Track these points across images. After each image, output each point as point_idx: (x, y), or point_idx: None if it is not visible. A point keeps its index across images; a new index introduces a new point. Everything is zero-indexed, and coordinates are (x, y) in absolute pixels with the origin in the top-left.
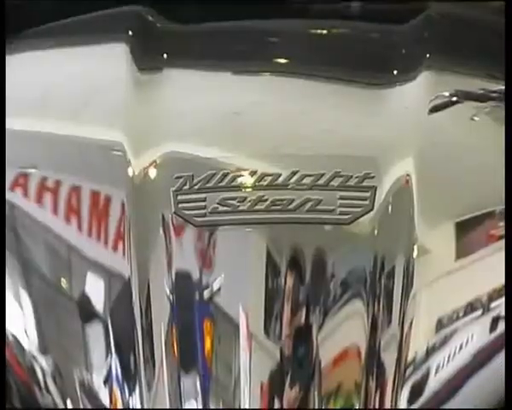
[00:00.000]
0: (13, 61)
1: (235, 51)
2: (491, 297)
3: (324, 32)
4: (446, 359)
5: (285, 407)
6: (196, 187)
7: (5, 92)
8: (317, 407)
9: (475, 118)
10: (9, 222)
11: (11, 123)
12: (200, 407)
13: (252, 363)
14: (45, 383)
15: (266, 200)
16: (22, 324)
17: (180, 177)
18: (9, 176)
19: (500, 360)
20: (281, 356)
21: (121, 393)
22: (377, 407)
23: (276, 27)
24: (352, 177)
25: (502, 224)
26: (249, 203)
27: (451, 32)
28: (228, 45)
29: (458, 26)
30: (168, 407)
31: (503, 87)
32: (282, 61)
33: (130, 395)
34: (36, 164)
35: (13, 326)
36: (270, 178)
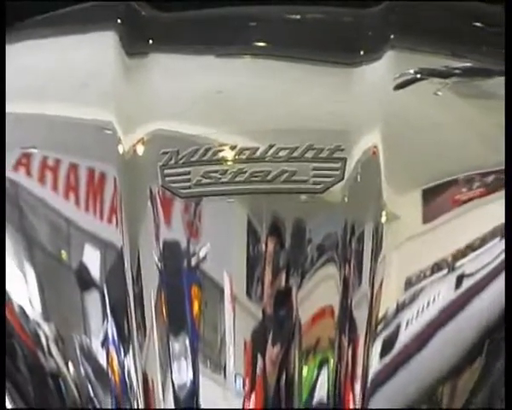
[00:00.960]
0: (13, 50)
1: (217, 36)
2: (456, 257)
3: (298, 17)
4: (415, 315)
5: (267, 363)
6: (181, 161)
7: (5, 93)
8: (297, 362)
9: (438, 93)
10: (14, 200)
11: (13, 107)
12: (190, 366)
13: (236, 323)
14: (48, 347)
15: (246, 172)
16: (26, 294)
17: (166, 152)
18: (13, 156)
19: (464, 314)
20: (263, 316)
21: (117, 354)
22: (350, 360)
23: (256, 13)
24: (323, 149)
25: (464, 189)
26: (230, 175)
27: (414, 14)
28: (210, 30)
29: (421, 9)
30: (158, 366)
31: (466, 64)
32: (261, 44)
33: (125, 355)
34: (36, 144)
35: (18, 296)
36: (248, 151)
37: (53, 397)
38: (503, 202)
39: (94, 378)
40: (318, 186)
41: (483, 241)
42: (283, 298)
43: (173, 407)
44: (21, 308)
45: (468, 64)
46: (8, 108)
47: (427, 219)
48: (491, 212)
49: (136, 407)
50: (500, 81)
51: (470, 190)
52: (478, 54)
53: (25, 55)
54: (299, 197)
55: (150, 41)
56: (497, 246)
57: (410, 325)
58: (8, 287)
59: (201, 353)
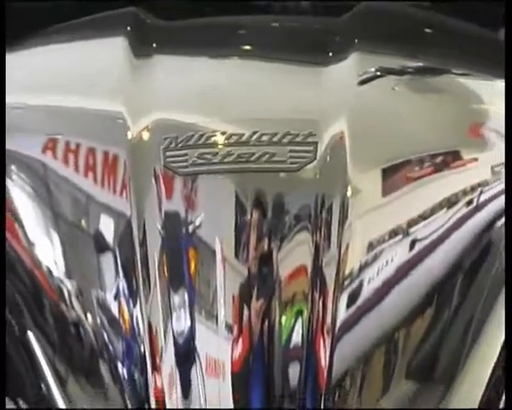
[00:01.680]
0: (39, 52)
1: (210, 40)
2: (410, 225)
3: (278, 25)
4: (375, 273)
5: (252, 313)
6: (180, 145)
7: (5, 92)
8: (277, 313)
9: (395, 88)
10: (42, 178)
11: (40, 100)
12: (188, 315)
13: (225, 280)
14: (70, 300)
15: (233, 154)
16: (52, 256)
17: (167, 138)
18: (40, 141)
19: (417, 272)
20: (248, 274)
21: (127, 306)
22: (321, 311)
23: (243, 22)
24: (298, 135)
25: (417, 168)
26: (220, 157)
27: (375, 22)
28: (205, 36)
29: (382, 17)
30: (161, 316)
31: (418, 64)
32: (247, 47)
33: (133, 307)
34: (60, 132)
35: (45, 259)
36: (236, 137)
37: (74, 342)
38: (448, 179)
39: (108, 326)
40: (294, 166)
41: (432, 211)
42: (265, 259)
43: (173, 350)
44: (48, 268)
45: (420, 64)
46: (36, 101)
47: (385, 193)
48: (438, 187)
49: (142, 350)
50: (447, 78)
51: (421, 169)
52: (428, 55)
53: (49, 56)
54: (278, 175)
55: (154, 45)
56: (444, 216)
57: (372, 281)
58: (37, 251)
59: (197, 304)
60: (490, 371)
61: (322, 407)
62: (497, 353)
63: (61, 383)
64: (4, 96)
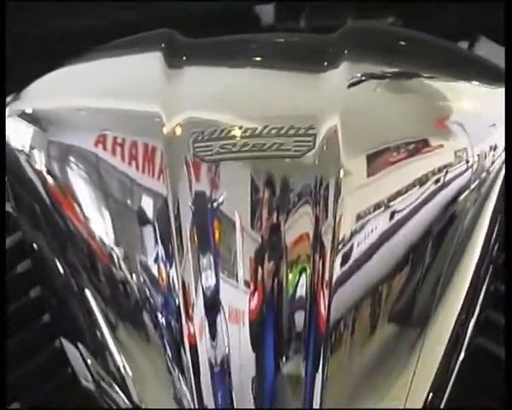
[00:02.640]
0: (92, 66)
1: (228, 54)
2: (389, 200)
3: (282, 40)
4: (363, 238)
5: (265, 272)
6: (205, 138)
7: (5, 92)
8: (285, 271)
9: (377, 90)
10: (95, 167)
11: (93, 103)
12: (214, 275)
13: (243, 246)
14: (119, 264)
15: (249, 144)
16: (104, 229)
17: (195, 132)
18: (93, 137)
19: (396, 237)
20: (261, 241)
21: (164, 267)
22: (321, 269)
23: (254, 38)
24: (300, 128)
25: (394, 154)
26: (238, 147)
27: (361, 37)
28: (224, 50)
29: (366, 33)
30: (192, 275)
31: (395, 69)
32: (257, 59)
33: (170, 268)
34: (109, 128)
35: (99, 230)
36: (250, 130)
37: (122, 297)
38: (420, 162)
39: (149, 284)
40: (297, 153)
41: (407, 189)
42: (275, 229)
43: (202, 302)
44: (101, 238)
45: (397, 70)
46: (90, 105)
47: (369, 174)
48: (411, 169)
49: (177, 303)
50: (418, 81)
51: (398, 155)
52: (403, 62)
53: (100, 68)
54: (284, 161)
55: (184, 58)
56: (417, 192)
57: (360, 245)
58: (92, 225)
59: (221, 266)
60: (455, 317)
61: (322, 347)
62: (461, 303)
63: (112, 330)
64: (4, 96)
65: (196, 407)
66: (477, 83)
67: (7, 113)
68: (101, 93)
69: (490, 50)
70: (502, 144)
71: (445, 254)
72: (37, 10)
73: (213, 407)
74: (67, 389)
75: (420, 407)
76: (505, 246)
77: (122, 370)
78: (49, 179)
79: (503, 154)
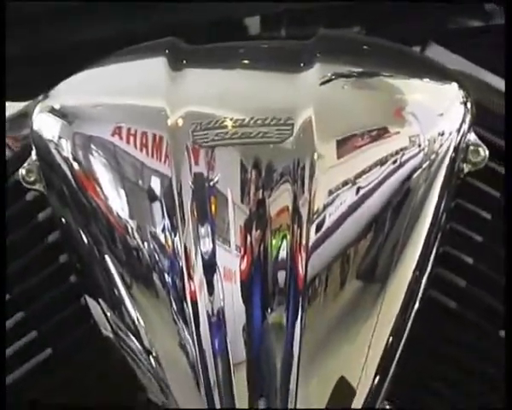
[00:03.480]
0: (106, 69)
1: (221, 58)
2: (356, 177)
3: (266, 46)
4: (334, 210)
5: (253, 239)
6: (203, 128)
7: (5, 91)
8: (269, 238)
9: (345, 87)
10: (113, 154)
11: (109, 100)
12: (211, 241)
13: (235, 217)
14: (133, 234)
15: (238, 133)
16: (120, 205)
17: (194, 123)
18: (110, 128)
19: (361, 209)
20: (249, 213)
21: (170, 235)
22: (298, 236)
23: (243, 44)
24: (281, 119)
25: (359, 139)
26: (229, 135)
27: (331, 42)
28: (218, 55)
29: (335, 39)
30: (192, 242)
31: (359, 69)
32: (246, 61)
33: (175, 236)
34: (124, 121)
35: (116, 206)
36: (240, 121)
37: (136, 261)
38: (380, 146)
39: (158, 250)
40: (279, 140)
41: (370, 168)
42: (261, 203)
43: (201, 264)
44: (117, 213)
45: (361, 70)
46: (107, 101)
47: (339, 156)
48: (374, 152)
49: (181, 265)
50: (379, 79)
51: (362, 140)
52: (366, 64)
53: (114, 70)
54: (268, 146)
55: (184, 62)
56: (378, 171)
57: (331, 216)
58: (110, 202)
59: (216, 234)
60: (411, 274)
61: (300, 300)
62: (415, 262)
63: (127, 288)
64: (4, 96)
65: (197, 351)
66: (427, 80)
67: (38, 109)
68: (115, 92)
69: (438, 54)
70: (448, 130)
71: (401, 221)
72: (51, 24)
73: (211, 351)
74: (91, 338)
75: (382, 347)
76: (505, 245)
77: (135, 321)
78: (75, 164)
79: (450, 138)
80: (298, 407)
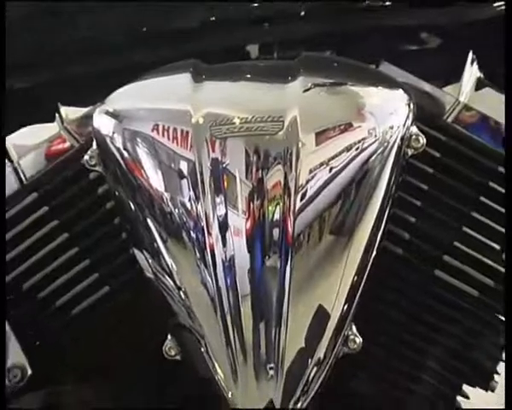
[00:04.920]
0: (146, 82)
1: (230, 73)
2: (329, 159)
3: (263, 64)
4: (313, 184)
5: (254, 206)
6: (217, 124)
7: (5, 90)
8: (266, 205)
9: (321, 93)
10: (151, 144)
11: (149, 105)
12: (224, 207)
13: (241, 189)
14: (167, 203)
15: (243, 127)
16: (158, 183)
17: (211, 121)
18: (150, 125)
19: (333, 183)
20: (252, 187)
21: (195, 203)
22: (288, 203)
23: (246, 64)
24: (275, 117)
25: (331, 132)
26: (237, 129)
27: (311, 61)
28: (228, 71)
29: (314, 59)
30: (211, 208)
31: (331, 80)
32: (248, 75)
33: (197, 204)
34: (160, 120)
35: (155, 183)
36: (244, 119)
37: (169, 222)
38: (347, 137)
39: (185, 214)
40: (273, 132)
41: (339, 153)
42: (260, 179)
43: (217, 224)
44: (156, 189)
45: (333, 80)
46: (147, 105)
47: (317, 144)
48: (342, 141)
49: (202, 225)
50: (346, 87)
51: (334, 132)
52: (336, 76)
53: (152, 82)
54: (265, 137)
55: (203, 76)
56: (345, 155)
57: (312, 188)
58: (151, 181)
59: (228, 201)
60: (370, 230)
61: (290, 250)
62: (373, 221)
63: (164, 242)
64: (4, 95)
65: (214, 287)
66: (381, 87)
67: (97, 112)
68: (153, 98)
69: (388, 69)
70: (396, 124)
71: (363, 192)
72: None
73: (225, 286)
74: (137, 279)
75: (349, 283)
76: (506, 244)
77: (169, 266)
78: (124, 152)
79: (398, 130)
80: (289, 325)
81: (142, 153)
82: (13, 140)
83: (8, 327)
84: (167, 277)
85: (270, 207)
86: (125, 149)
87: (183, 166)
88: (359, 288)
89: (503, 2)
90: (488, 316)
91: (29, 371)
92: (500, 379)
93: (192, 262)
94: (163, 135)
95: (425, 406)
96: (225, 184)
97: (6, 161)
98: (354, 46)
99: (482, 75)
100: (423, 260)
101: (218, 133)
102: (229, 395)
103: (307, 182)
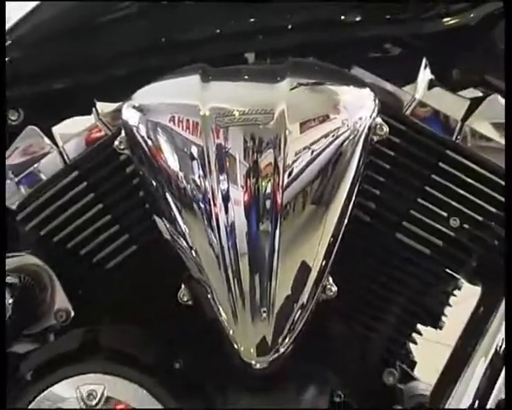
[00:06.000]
0: (164, 83)
1: (232, 75)
2: (311, 144)
3: (257, 68)
4: (298, 164)
5: (251, 182)
6: (221, 115)
7: (5, 91)
8: (260, 181)
9: (305, 91)
10: (169, 133)
11: (166, 100)
12: (226, 183)
13: (240, 168)
14: (181, 179)
15: (241, 118)
16: (176, 166)
17: (216, 113)
18: (167, 117)
19: (314, 163)
20: (249, 166)
21: (203, 181)
22: (277, 180)
23: (244, 67)
24: (267, 110)
25: (313, 122)
26: (236, 120)
27: (297, 65)
28: (230, 73)
29: (300, 64)
30: (216, 184)
31: (313, 81)
32: (246, 77)
33: (205, 180)
34: (175, 112)
35: (173, 166)
36: (242, 111)
37: (183, 196)
38: (325, 126)
39: (196, 188)
40: (266, 122)
41: (319, 139)
42: (255, 160)
43: (221, 196)
44: (172, 167)
45: (314, 81)
46: (165, 101)
47: (301, 132)
48: (321, 129)
49: (209, 197)
50: (325, 86)
51: (315, 122)
52: (317, 77)
53: (169, 83)
54: (259, 126)
55: (210, 77)
56: (324, 141)
57: (296, 168)
58: (169, 164)
59: (230, 179)
60: (342, 202)
61: (278, 217)
62: (345, 195)
63: (179, 211)
64: (4, 95)
65: (219, 246)
66: (352, 87)
67: (126, 106)
68: (169, 95)
69: (358, 72)
70: (364, 116)
71: (338, 170)
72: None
73: (227, 246)
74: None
75: (326, 243)
76: (506, 244)
77: (183, 230)
78: (147, 139)
79: (365, 121)
80: (278, 277)
81: (162, 139)
82: (58, 129)
83: (55, 279)
84: (181, 238)
85: (263, 183)
86: (147, 136)
87: (194, 150)
88: (335, 247)
89: (451, 18)
90: (438, 270)
91: (72, 314)
92: (446, 320)
93: (201, 227)
94: (178, 125)
95: (386, 342)
96: (227, 164)
97: (53, 145)
98: (332, 53)
99: (433, 77)
100: (386, 225)
101: (221, 123)
102: (231, 333)
103: (293, 162)
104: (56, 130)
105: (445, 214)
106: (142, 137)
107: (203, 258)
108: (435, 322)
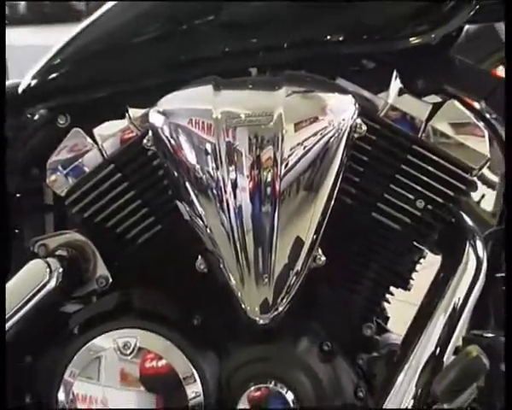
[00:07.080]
0: (183, 92)
1: (239, 85)
2: (304, 141)
3: (259, 79)
4: (293, 158)
5: (254, 173)
6: (230, 118)
7: (5, 92)
8: (262, 172)
9: (297, 98)
10: (188, 133)
11: (185, 106)
12: (234, 173)
13: (246, 161)
14: (198, 171)
15: (247, 120)
16: (194, 159)
17: (226, 116)
18: (186, 120)
19: (306, 157)
20: (252, 160)
21: (215, 172)
22: (276, 173)
23: (248, 79)
24: (267, 113)
25: (304, 123)
26: (243, 121)
27: (293, 76)
28: (236, 84)
29: (293, 76)
30: (226, 173)
31: (304, 89)
32: (250, 86)
33: (217, 171)
34: (192, 115)
35: (192, 159)
36: (247, 114)
37: (200, 185)
38: (315, 126)
39: (209, 178)
40: (266, 123)
41: (310, 137)
42: (258, 157)
43: (230, 185)
44: (190, 161)
45: (306, 89)
46: (184, 106)
47: (295, 131)
48: (312, 128)
49: (221, 185)
50: (314, 94)
51: (306, 123)
52: (307, 86)
53: (188, 92)
54: (261, 127)
55: (221, 87)
56: (313, 138)
57: (291, 161)
58: (188, 157)
59: (237, 169)
60: (329, 188)
61: (277, 201)
62: (332, 179)
63: (196, 196)
64: (4, 95)
65: (229, 225)
66: (337, 94)
67: (152, 111)
68: (187, 102)
69: (342, 82)
70: (347, 117)
71: (325, 162)
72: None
73: (235, 225)
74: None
75: (316, 221)
76: (506, 243)
77: (200, 212)
78: (171, 139)
79: (348, 121)
80: (277, 249)
81: (181, 138)
82: (98, 131)
83: (96, 252)
84: (198, 218)
85: (264, 173)
86: (170, 135)
87: (208, 146)
88: (323, 225)
89: (416, 38)
90: (407, 242)
91: (110, 280)
92: (413, 283)
93: (214, 209)
94: (194, 126)
95: (365, 301)
96: (235, 158)
97: (93, 144)
98: (320, 67)
99: (402, 86)
100: (364, 206)
101: (230, 124)
102: (239, 295)
103: (289, 156)
104: (96, 131)
105: (412, 197)
106: (166, 136)
107: (216, 234)
108: (405, 285)
